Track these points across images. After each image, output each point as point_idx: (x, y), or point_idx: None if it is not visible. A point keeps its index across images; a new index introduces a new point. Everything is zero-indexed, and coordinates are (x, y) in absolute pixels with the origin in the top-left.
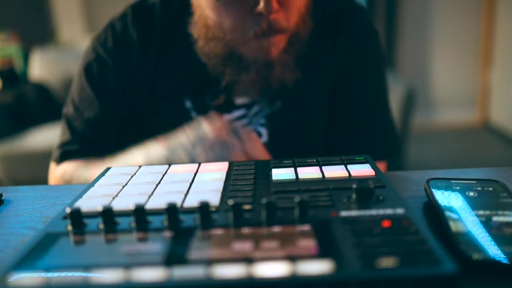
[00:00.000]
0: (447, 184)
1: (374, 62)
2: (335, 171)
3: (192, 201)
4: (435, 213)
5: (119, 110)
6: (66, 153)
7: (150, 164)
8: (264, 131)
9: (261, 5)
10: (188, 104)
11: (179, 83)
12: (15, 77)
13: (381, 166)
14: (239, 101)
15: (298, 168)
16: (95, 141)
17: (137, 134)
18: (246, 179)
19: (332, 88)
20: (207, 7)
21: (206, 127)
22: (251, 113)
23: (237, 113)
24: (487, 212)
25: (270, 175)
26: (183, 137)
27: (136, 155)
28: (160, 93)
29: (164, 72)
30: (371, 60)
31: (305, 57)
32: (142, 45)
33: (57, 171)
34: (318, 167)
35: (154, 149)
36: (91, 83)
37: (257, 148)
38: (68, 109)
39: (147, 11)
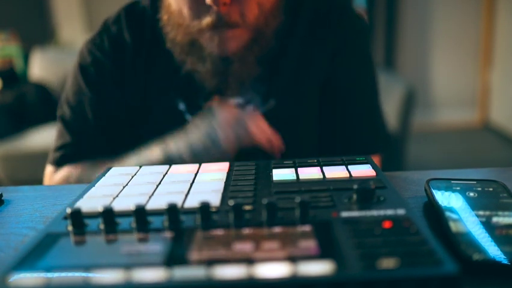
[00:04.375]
0: (447, 184)
1: (363, 58)
2: (335, 172)
3: (192, 202)
4: (435, 214)
5: (116, 110)
6: (66, 156)
7: (168, 158)
8: None
9: None
10: (182, 106)
11: (171, 85)
12: (15, 77)
13: (375, 160)
14: (232, 101)
15: (299, 169)
16: (94, 142)
17: (133, 134)
18: (247, 179)
19: (322, 84)
20: None
21: (217, 112)
22: None
23: None
24: (487, 213)
25: (270, 175)
26: (201, 124)
27: (154, 150)
28: (153, 95)
29: (156, 74)
30: (359, 56)
31: (297, 54)
32: (135, 48)
33: (59, 175)
34: (319, 168)
35: (172, 143)
36: (89, 85)
37: (263, 126)
38: (63, 111)
39: (139, 14)
